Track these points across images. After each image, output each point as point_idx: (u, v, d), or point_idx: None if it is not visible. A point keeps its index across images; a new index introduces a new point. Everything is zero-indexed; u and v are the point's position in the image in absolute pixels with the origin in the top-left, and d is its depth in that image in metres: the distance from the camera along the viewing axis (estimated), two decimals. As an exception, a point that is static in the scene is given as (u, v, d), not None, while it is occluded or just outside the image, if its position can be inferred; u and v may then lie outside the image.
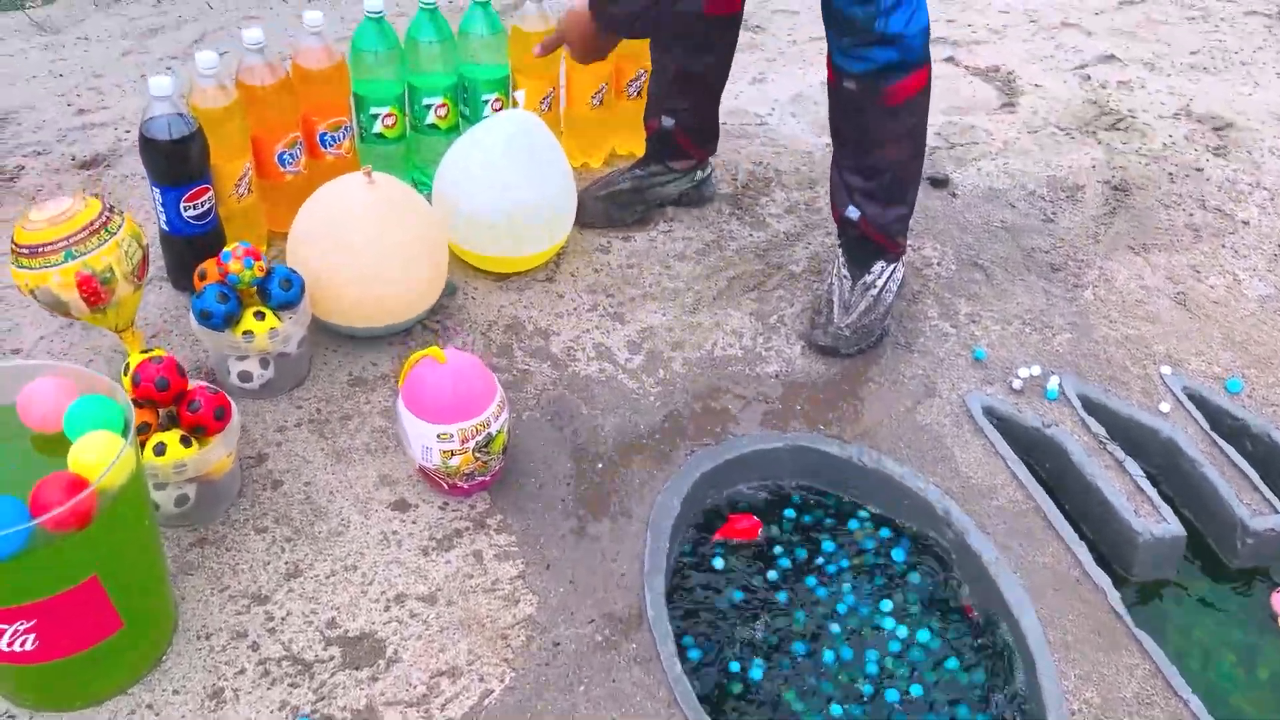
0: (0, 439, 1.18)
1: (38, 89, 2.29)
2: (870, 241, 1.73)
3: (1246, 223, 2.10)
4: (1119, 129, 2.36)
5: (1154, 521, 1.49)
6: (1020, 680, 1.34)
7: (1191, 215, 2.11)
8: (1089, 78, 2.56)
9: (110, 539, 1.12)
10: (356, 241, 1.59)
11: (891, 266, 1.77)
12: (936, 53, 2.65)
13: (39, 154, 2.06)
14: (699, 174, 2.00)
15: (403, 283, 1.63)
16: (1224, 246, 2.03)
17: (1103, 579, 1.42)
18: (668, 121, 1.91)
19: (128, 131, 2.14)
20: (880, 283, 1.75)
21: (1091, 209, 2.11)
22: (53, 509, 1.03)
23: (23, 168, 2.01)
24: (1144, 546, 1.48)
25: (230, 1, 2.75)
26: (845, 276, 1.76)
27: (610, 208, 1.96)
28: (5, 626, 1.08)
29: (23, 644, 1.11)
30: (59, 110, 2.21)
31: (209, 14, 2.66)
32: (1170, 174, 2.22)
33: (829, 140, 1.90)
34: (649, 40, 1.92)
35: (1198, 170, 2.24)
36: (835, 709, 1.31)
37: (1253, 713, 1.35)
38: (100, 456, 1.08)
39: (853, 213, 1.71)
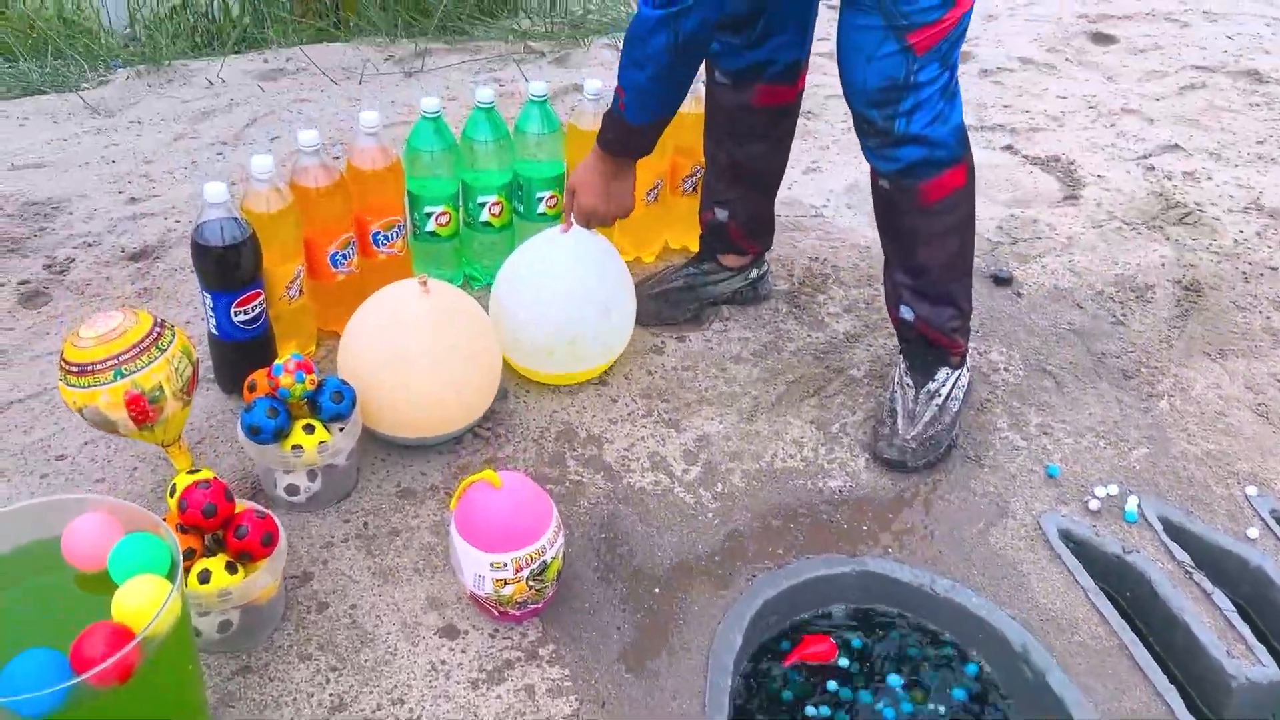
0: (43, 574, 1.13)
1: (90, 175, 2.29)
2: (930, 345, 1.67)
3: (1327, 326, 2.02)
4: (1187, 224, 2.29)
5: (1248, 664, 1.40)
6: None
7: (1269, 318, 2.03)
8: (1153, 168, 2.50)
9: (152, 690, 1.06)
10: (411, 350, 1.55)
11: (956, 373, 1.70)
12: (994, 140, 2.60)
13: (89, 245, 2.04)
14: (754, 272, 1.96)
15: (455, 392, 1.58)
16: (1305, 352, 1.95)
17: (1197, 731, 1.33)
18: (721, 214, 1.88)
19: (178, 221, 2.12)
20: (945, 390, 1.69)
21: (1163, 310, 2.04)
22: (95, 664, 0.97)
23: (73, 260, 2.00)
24: (1238, 691, 1.38)
25: (282, 84, 2.75)
26: (909, 385, 1.69)
27: (663, 306, 1.92)
28: (38, 783, 1.03)
29: (56, 800, 1.05)
30: (110, 199, 2.21)
31: (260, 96, 2.67)
32: (1244, 273, 2.15)
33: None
34: (705, 134, 1.88)
35: (1272, 269, 2.16)
36: None
37: None
38: (145, 603, 1.03)
39: (906, 313, 1.66)
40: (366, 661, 1.36)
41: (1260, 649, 1.42)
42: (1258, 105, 2.82)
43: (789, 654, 1.44)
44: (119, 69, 2.81)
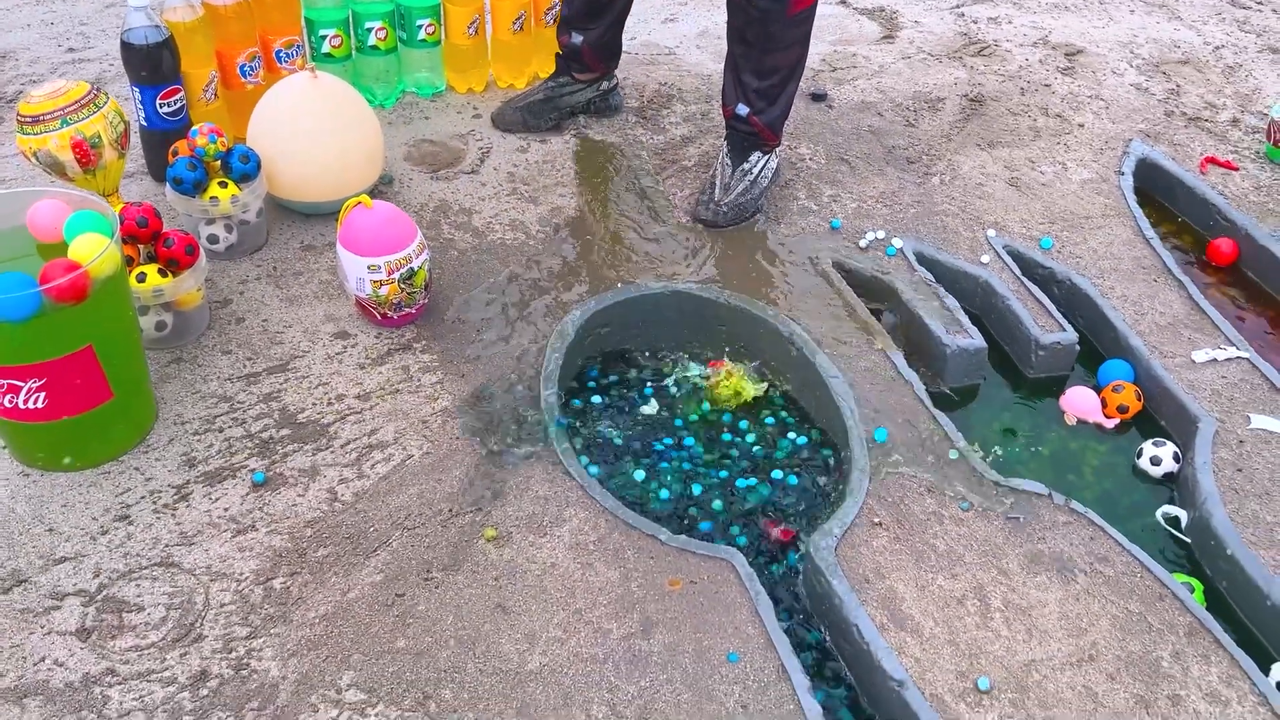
0: (15, 254, 1.49)
1: (33, 35, 2.60)
2: (753, 134, 2.05)
3: (1082, 125, 2.44)
4: (983, 55, 2.70)
5: (962, 337, 1.82)
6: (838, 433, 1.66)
7: (1035, 120, 2.45)
8: (963, 15, 2.90)
9: (101, 316, 1.43)
10: (304, 127, 1.91)
11: (767, 157, 2.09)
12: (831, -3, 2.99)
13: (34, 81, 2.37)
14: (604, 84, 2.32)
15: (342, 163, 1.95)
16: (1059, 143, 2.37)
17: (912, 376, 1.75)
18: (577, 39, 2.21)
19: (111, 65, 2.45)
20: (756, 170, 2.08)
21: (949, 116, 2.44)
22: (56, 280, 1.34)
23: (21, 91, 2.33)
24: (952, 356, 1.80)
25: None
26: (727, 164, 2.08)
27: (527, 116, 2.28)
28: (21, 384, 1.40)
29: (35, 401, 1.42)
30: (51, 50, 2.53)
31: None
32: (1022, 89, 2.56)
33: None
34: None
35: (1046, 86, 2.58)
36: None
37: (1034, 478, 1.67)
38: (93, 249, 1.39)
39: (742, 109, 2.02)
40: (276, 355, 1.74)
41: (973, 330, 1.84)
42: (1065, -33, 3.23)
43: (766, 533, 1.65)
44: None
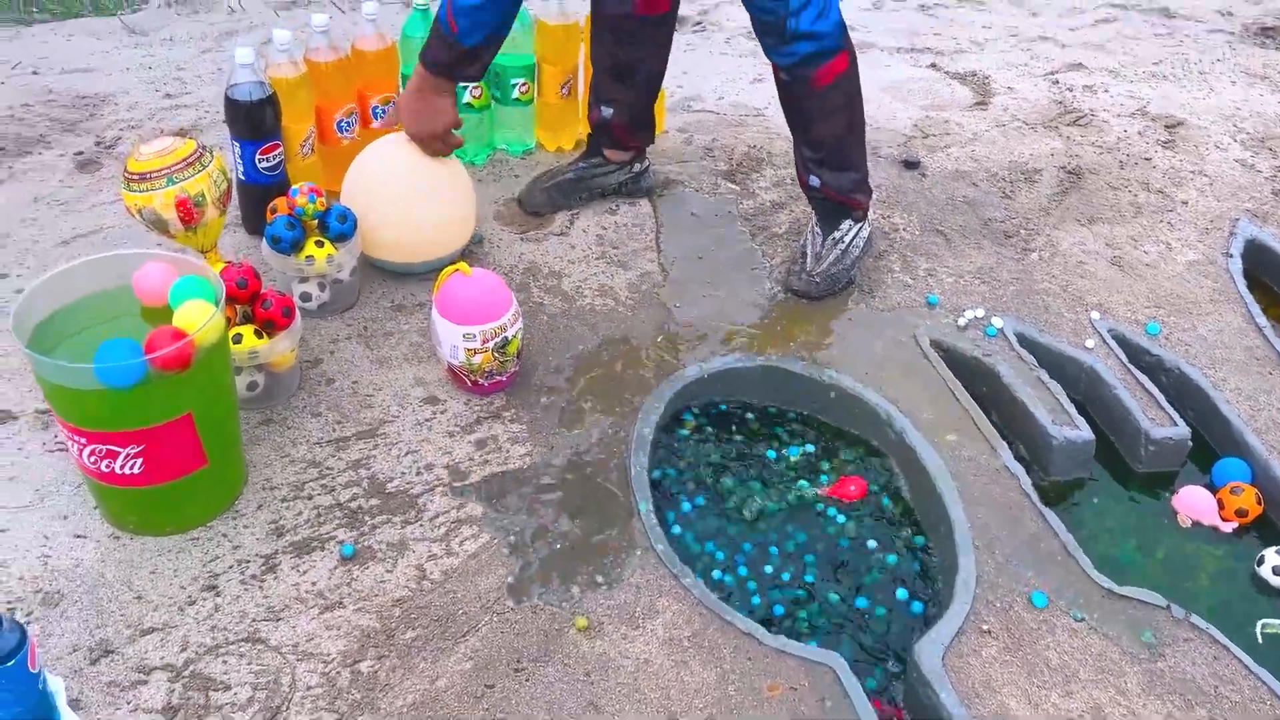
0: (118, 313, 1.49)
1: (131, 78, 2.64)
2: (835, 204, 2.01)
3: (1185, 202, 2.36)
4: (1079, 125, 2.64)
5: (1069, 428, 1.75)
6: (939, 536, 1.59)
7: (1136, 196, 2.38)
8: (1057, 82, 2.84)
9: (202, 384, 1.42)
10: (398, 189, 1.90)
11: (858, 225, 2.04)
12: (921, 60, 2.95)
13: (133, 127, 2.40)
14: (636, 166, 2.23)
15: (436, 226, 1.93)
16: (1162, 221, 2.30)
17: (1018, 469, 1.68)
18: (606, 112, 2.12)
19: (207, 111, 2.48)
20: (848, 239, 2.03)
21: (1046, 189, 2.38)
22: (162, 350, 1.33)
23: (119, 137, 2.36)
24: (1058, 448, 1.73)
25: (295, 12, 3.10)
26: (817, 233, 2.04)
27: (555, 195, 2.19)
28: (119, 450, 1.39)
29: (132, 467, 1.41)
30: (149, 95, 2.56)
31: (276, 20, 3.02)
32: (1121, 162, 2.49)
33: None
34: (591, 39, 2.13)
35: (1146, 159, 2.51)
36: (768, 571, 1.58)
37: (1147, 584, 1.59)
38: (198, 317, 1.38)
39: (814, 181, 1.99)
40: (366, 419, 1.72)
41: (1080, 419, 1.77)
42: (1161, 35, 3.16)
43: (827, 487, 1.70)
44: (151, 1, 3.16)
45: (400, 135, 1.91)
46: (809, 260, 2.02)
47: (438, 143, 1.89)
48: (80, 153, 2.30)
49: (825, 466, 1.74)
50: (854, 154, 2.00)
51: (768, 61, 1.91)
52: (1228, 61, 3.01)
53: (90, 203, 2.14)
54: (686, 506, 1.67)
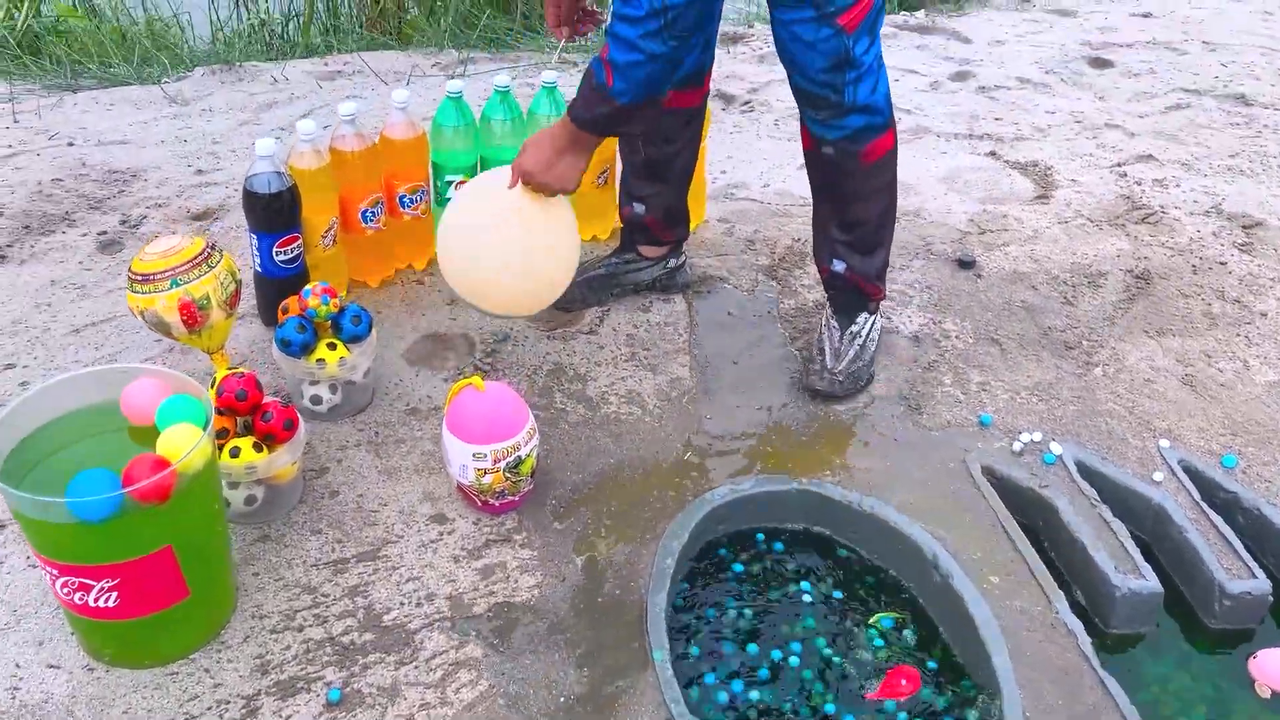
0: (103, 430, 1.40)
1: (165, 151, 2.60)
2: (856, 292, 1.90)
3: (1264, 314, 2.19)
4: (1148, 223, 2.48)
5: (1134, 577, 1.58)
6: (987, 709, 1.43)
7: (1210, 305, 2.21)
8: (1125, 175, 2.69)
9: (184, 515, 1.32)
10: (512, 233, 1.74)
11: (873, 318, 1.94)
12: (980, 147, 2.82)
13: (159, 206, 2.35)
14: (671, 261, 2.14)
15: (546, 274, 1.78)
16: (1238, 335, 2.13)
17: (1075, 624, 1.52)
18: (639, 209, 2.05)
19: (237, 190, 2.41)
20: (865, 332, 1.93)
21: (1112, 295, 2.23)
22: (139, 483, 1.24)
23: (145, 217, 2.31)
24: (1121, 600, 1.57)
25: (339, 83, 3.07)
26: (834, 327, 1.93)
27: (587, 293, 2.10)
28: (93, 583, 1.29)
29: (106, 600, 1.31)
30: (180, 170, 2.52)
31: (318, 92, 2.98)
32: (1194, 266, 2.33)
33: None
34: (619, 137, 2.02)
35: (1221, 264, 2.34)
36: (813, 724, 1.43)
37: (1218, 762, 1.42)
38: (182, 444, 1.29)
39: (838, 265, 1.88)
40: (368, 537, 1.61)
41: (1146, 567, 1.60)
42: (1237, 125, 2.99)
43: (876, 688, 1.50)
44: (196, 69, 3.15)
45: (507, 169, 1.74)
46: (828, 358, 1.91)
47: (547, 191, 1.75)
48: (104, 232, 2.25)
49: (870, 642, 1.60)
50: (884, 237, 1.90)
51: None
52: (1309, 155, 2.83)
53: (107, 287, 2.08)
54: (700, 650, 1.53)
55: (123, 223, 2.29)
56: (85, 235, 2.24)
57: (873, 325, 1.95)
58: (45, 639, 1.43)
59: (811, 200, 1.91)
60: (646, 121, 1.75)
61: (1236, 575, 1.61)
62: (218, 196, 2.40)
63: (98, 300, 2.04)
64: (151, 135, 2.69)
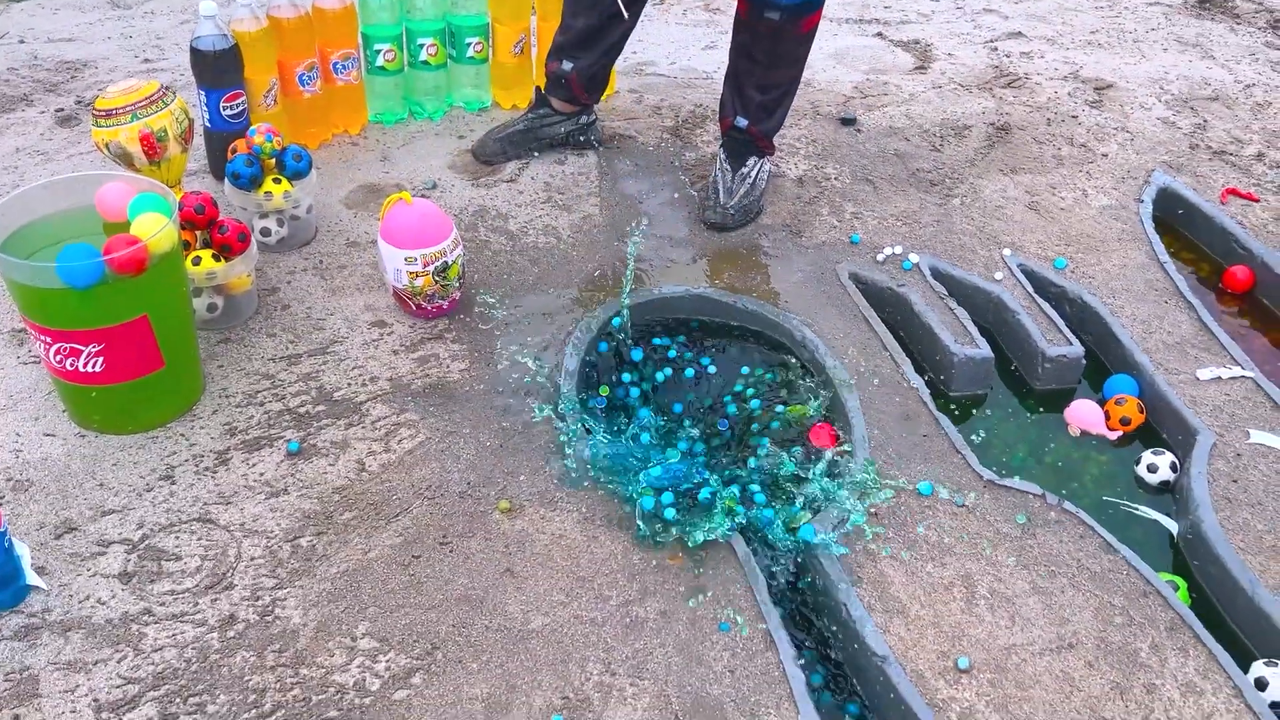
0: (82, 231, 1.62)
1: (112, 46, 2.79)
2: (750, 142, 2.17)
3: (1105, 155, 2.50)
4: (1013, 87, 2.77)
5: (970, 347, 1.88)
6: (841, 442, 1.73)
7: (1059, 150, 2.51)
8: (996, 49, 2.98)
9: (157, 289, 1.56)
10: None
11: (762, 160, 2.21)
12: (868, 30, 3.09)
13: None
14: (584, 118, 2.36)
15: None
16: (1081, 171, 2.43)
17: (918, 381, 1.81)
18: (566, 65, 2.23)
19: (182, 74, 2.62)
20: (754, 174, 2.19)
21: (974, 143, 2.52)
22: (118, 252, 1.47)
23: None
24: (959, 364, 1.86)
25: (272, -13, 3.25)
26: (726, 169, 2.19)
27: (507, 146, 2.33)
28: (81, 348, 1.52)
29: (93, 365, 1.54)
30: (128, 60, 2.71)
31: (254, -4, 3.16)
32: (1049, 119, 2.63)
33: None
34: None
35: (1073, 117, 2.64)
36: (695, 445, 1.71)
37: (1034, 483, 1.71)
38: (153, 226, 1.52)
39: (741, 122, 2.14)
40: (317, 339, 1.85)
41: (981, 340, 1.90)
42: (1100, 7, 3.30)
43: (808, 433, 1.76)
44: (135, -21, 3.31)
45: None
46: (721, 195, 2.17)
47: None
48: (60, 109, 2.45)
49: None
50: (789, 103, 2.18)
51: (725, 31, 2.00)
52: (1162, 30, 3.14)
53: (68, 154, 2.28)
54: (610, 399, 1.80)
55: (78, 102, 2.49)
56: (44, 113, 2.44)
57: (760, 168, 2.21)
58: (40, 416, 1.66)
59: (729, 64, 2.14)
60: None
61: (1057, 344, 1.91)
62: (165, 80, 2.59)
63: (60, 164, 2.25)
64: (98, 33, 2.87)
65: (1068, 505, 1.59)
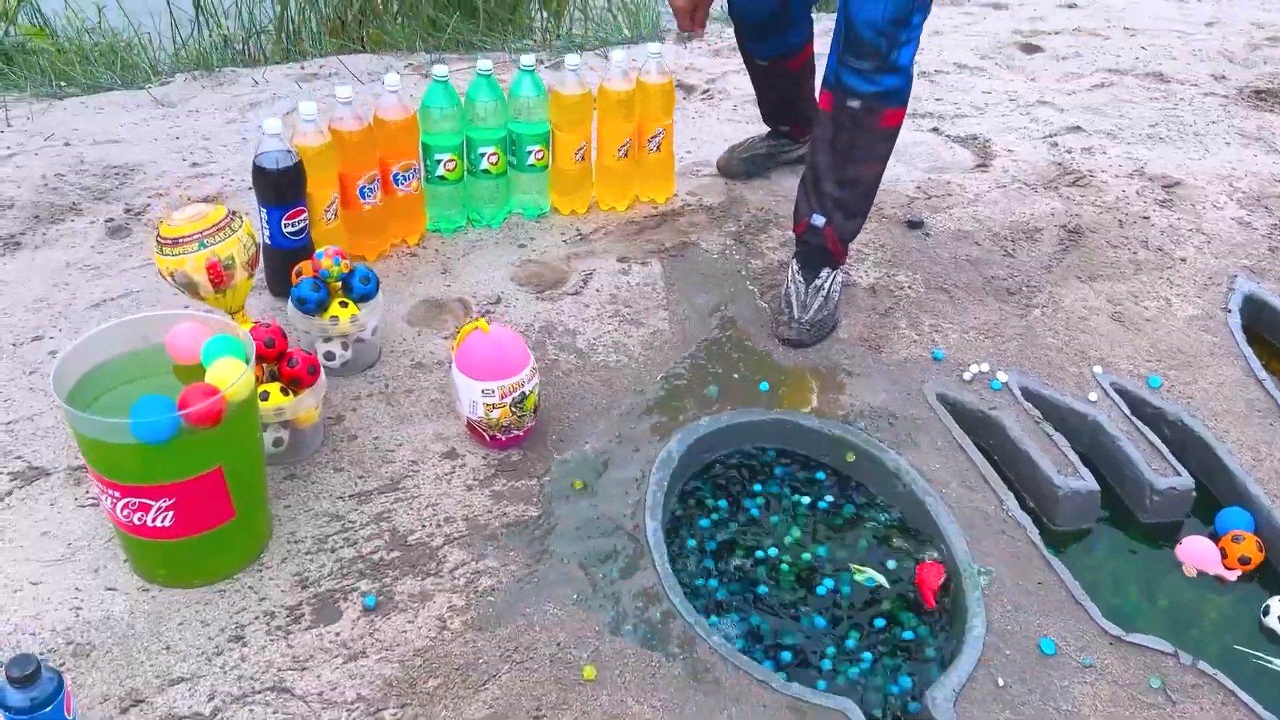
0: (152, 371, 1.55)
1: (159, 148, 2.74)
2: (824, 250, 2.10)
3: (1184, 260, 2.42)
4: (1079, 186, 2.71)
5: (1074, 479, 1.78)
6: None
7: (1135, 253, 2.44)
8: (1056, 144, 2.92)
9: (232, 439, 1.47)
10: None
11: (835, 272, 2.13)
12: (923, 125, 3.04)
13: (161, 195, 2.49)
14: None
15: None
16: (1161, 278, 2.35)
17: (1024, 518, 1.72)
18: (783, 127, 2.64)
19: (233, 179, 2.57)
20: (828, 286, 2.12)
21: (1047, 247, 2.44)
22: (195, 406, 1.39)
23: (149, 205, 2.44)
24: (1064, 499, 1.77)
25: (317, 84, 3.22)
26: (800, 281, 2.11)
27: (749, 166, 2.66)
28: (151, 503, 1.44)
29: (163, 520, 1.45)
30: (176, 164, 2.65)
31: (299, 92, 3.12)
32: (1120, 221, 2.56)
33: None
34: (754, 82, 2.53)
35: (1145, 218, 2.57)
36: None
37: (1153, 632, 1.61)
38: (230, 374, 1.44)
39: (818, 220, 2.07)
40: (387, 473, 1.76)
41: (1085, 470, 1.81)
42: (1156, 99, 3.24)
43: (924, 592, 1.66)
44: (178, 75, 3.28)
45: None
46: (795, 309, 2.09)
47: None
48: (111, 219, 2.39)
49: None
50: (867, 206, 2.13)
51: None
52: (1222, 124, 3.08)
53: (120, 268, 2.22)
54: (710, 545, 1.70)
55: (127, 211, 2.43)
56: (94, 223, 2.38)
57: (834, 280, 2.13)
58: (101, 567, 1.57)
59: (806, 165, 2.09)
60: None
61: (1164, 474, 1.81)
62: (215, 185, 2.54)
63: (113, 279, 2.18)
64: (144, 134, 2.82)
65: (1203, 666, 1.48)
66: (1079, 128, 3.03)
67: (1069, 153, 2.88)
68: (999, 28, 3.89)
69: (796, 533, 1.74)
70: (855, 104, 1.95)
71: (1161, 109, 3.18)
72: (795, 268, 2.14)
